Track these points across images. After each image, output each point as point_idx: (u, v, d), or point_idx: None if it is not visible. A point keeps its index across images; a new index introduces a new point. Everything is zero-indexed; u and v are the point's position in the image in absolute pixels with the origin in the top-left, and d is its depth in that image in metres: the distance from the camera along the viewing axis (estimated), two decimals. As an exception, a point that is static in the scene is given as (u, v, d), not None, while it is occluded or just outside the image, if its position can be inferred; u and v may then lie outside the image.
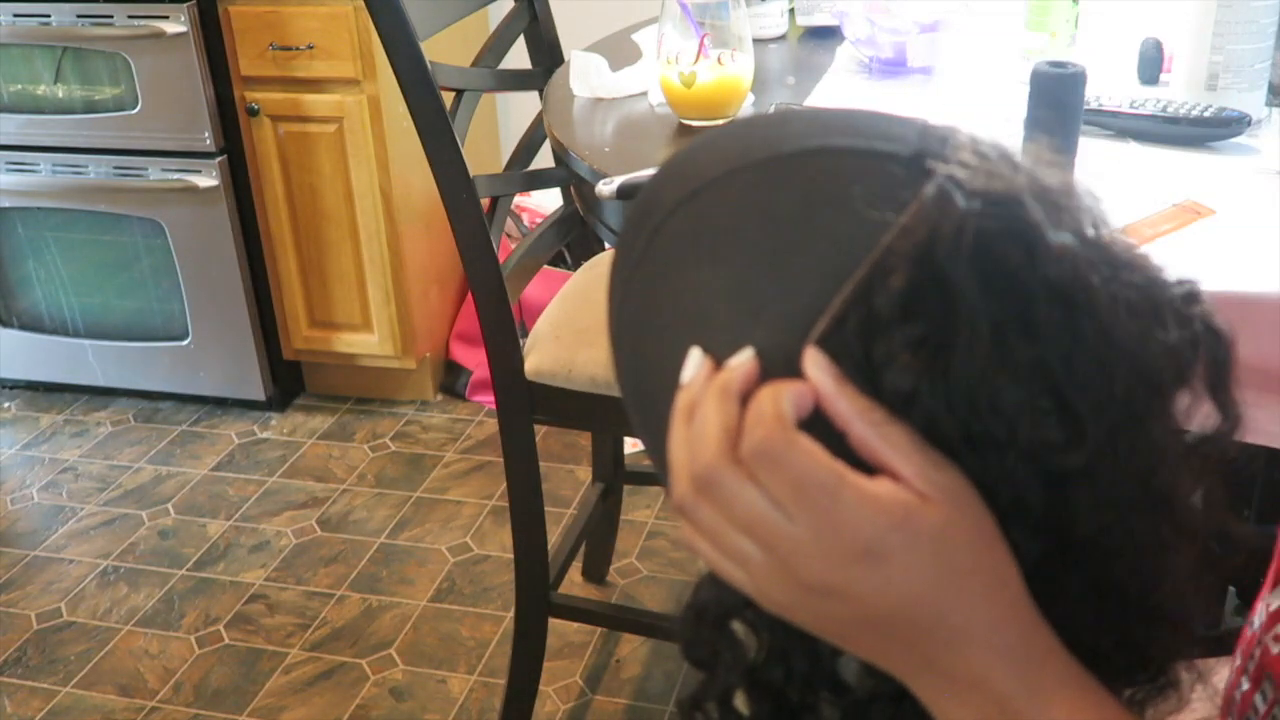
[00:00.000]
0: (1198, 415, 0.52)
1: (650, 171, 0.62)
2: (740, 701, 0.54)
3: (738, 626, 0.53)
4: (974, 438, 0.47)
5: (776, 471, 0.47)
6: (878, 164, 0.50)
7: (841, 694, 0.52)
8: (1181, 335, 0.50)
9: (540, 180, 1.74)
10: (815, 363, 0.48)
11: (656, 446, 0.56)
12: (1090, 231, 0.50)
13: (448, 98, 1.46)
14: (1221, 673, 0.61)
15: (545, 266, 2.39)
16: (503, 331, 1.54)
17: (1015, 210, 0.47)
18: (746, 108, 1.35)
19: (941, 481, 0.47)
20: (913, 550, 0.46)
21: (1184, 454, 0.51)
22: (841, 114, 0.54)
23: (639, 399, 0.56)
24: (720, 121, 1.31)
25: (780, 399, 0.48)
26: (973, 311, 0.46)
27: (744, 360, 0.49)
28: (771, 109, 1.36)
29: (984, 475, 0.47)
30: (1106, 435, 0.47)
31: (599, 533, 2.05)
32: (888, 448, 0.47)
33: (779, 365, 0.48)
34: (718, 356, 0.50)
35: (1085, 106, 1.15)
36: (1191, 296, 0.51)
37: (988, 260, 0.46)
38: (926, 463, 0.47)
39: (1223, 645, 0.61)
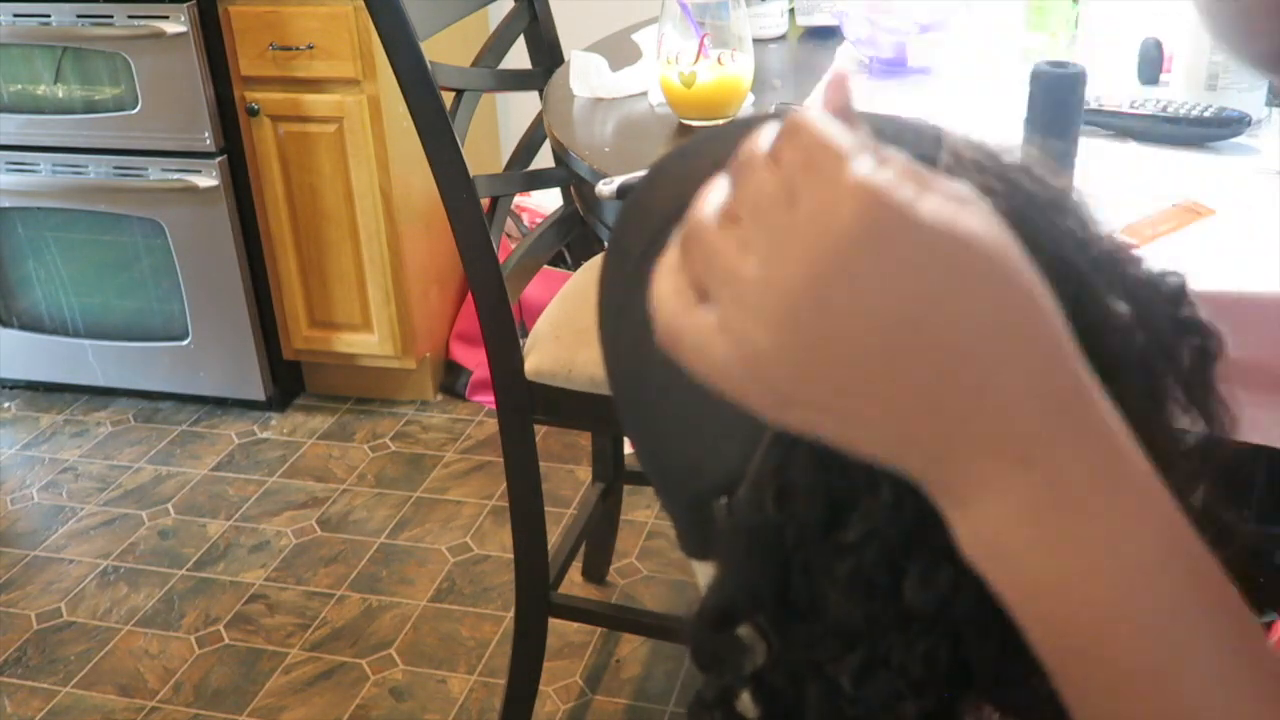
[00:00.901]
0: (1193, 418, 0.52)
1: (648, 172, 0.61)
2: (746, 706, 0.54)
3: (744, 632, 0.53)
4: None
5: (791, 140, 0.40)
6: None
7: (845, 700, 0.52)
8: (1170, 337, 0.50)
9: (540, 180, 1.74)
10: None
11: (654, 454, 0.56)
12: (1082, 230, 0.50)
13: (448, 98, 1.46)
14: None
15: (545, 266, 2.38)
16: (503, 331, 1.54)
17: (1021, 206, 0.48)
18: (746, 108, 1.36)
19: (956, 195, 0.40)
20: (904, 256, 0.38)
21: (1181, 457, 0.51)
22: None
23: (637, 405, 0.55)
24: (720, 122, 1.31)
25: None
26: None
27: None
28: (773, 109, 1.36)
29: None
30: None
31: (599, 533, 2.05)
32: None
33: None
34: None
35: (1085, 106, 1.15)
36: (1180, 295, 0.51)
37: None
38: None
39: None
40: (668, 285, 0.43)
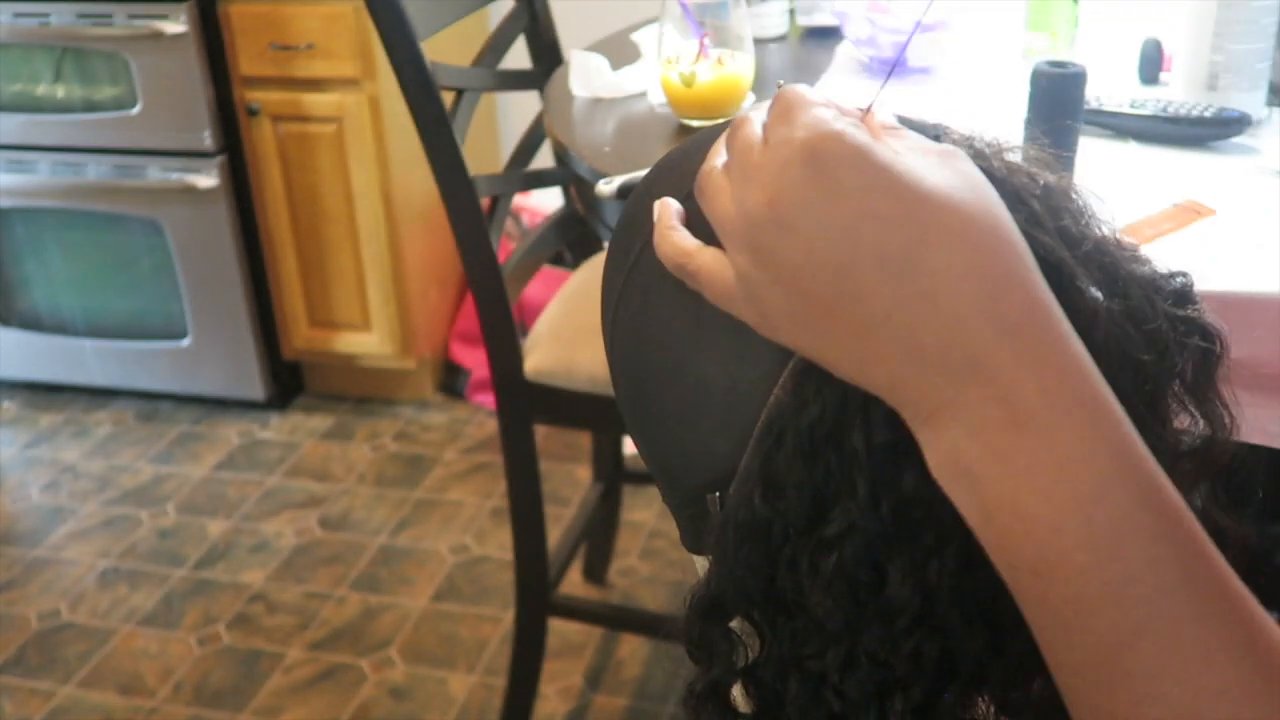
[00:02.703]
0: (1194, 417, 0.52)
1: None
2: (741, 700, 0.54)
3: (739, 626, 0.53)
4: None
5: (774, 103, 0.47)
6: None
7: (831, 694, 0.52)
8: (1171, 338, 0.50)
9: (540, 180, 1.74)
10: None
11: (652, 449, 0.56)
12: (1085, 229, 0.50)
13: (448, 98, 1.46)
14: None
15: (545, 266, 2.39)
16: (503, 331, 1.54)
17: (1018, 204, 0.48)
18: (746, 108, 1.35)
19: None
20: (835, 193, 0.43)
21: (1181, 458, 0.51)
22: None
23: (636, 401, 0.56)
24: (720, 121, 1.31)
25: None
26: None
27: None
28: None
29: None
30: None
31: (599, 533, 2.05)
32: None
33: (782, 361, 0.48)
34: (720, 357, 0.50)
35: (1085, 106, 1.15)
36: (1185, 296, 0.51)
37: None
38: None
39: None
40: (679, 239, 0.50)
